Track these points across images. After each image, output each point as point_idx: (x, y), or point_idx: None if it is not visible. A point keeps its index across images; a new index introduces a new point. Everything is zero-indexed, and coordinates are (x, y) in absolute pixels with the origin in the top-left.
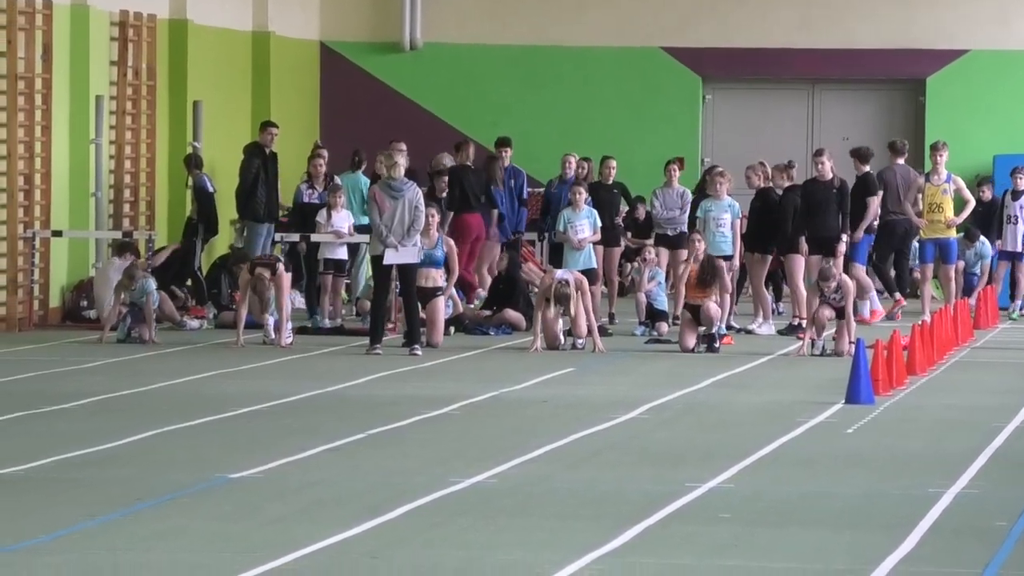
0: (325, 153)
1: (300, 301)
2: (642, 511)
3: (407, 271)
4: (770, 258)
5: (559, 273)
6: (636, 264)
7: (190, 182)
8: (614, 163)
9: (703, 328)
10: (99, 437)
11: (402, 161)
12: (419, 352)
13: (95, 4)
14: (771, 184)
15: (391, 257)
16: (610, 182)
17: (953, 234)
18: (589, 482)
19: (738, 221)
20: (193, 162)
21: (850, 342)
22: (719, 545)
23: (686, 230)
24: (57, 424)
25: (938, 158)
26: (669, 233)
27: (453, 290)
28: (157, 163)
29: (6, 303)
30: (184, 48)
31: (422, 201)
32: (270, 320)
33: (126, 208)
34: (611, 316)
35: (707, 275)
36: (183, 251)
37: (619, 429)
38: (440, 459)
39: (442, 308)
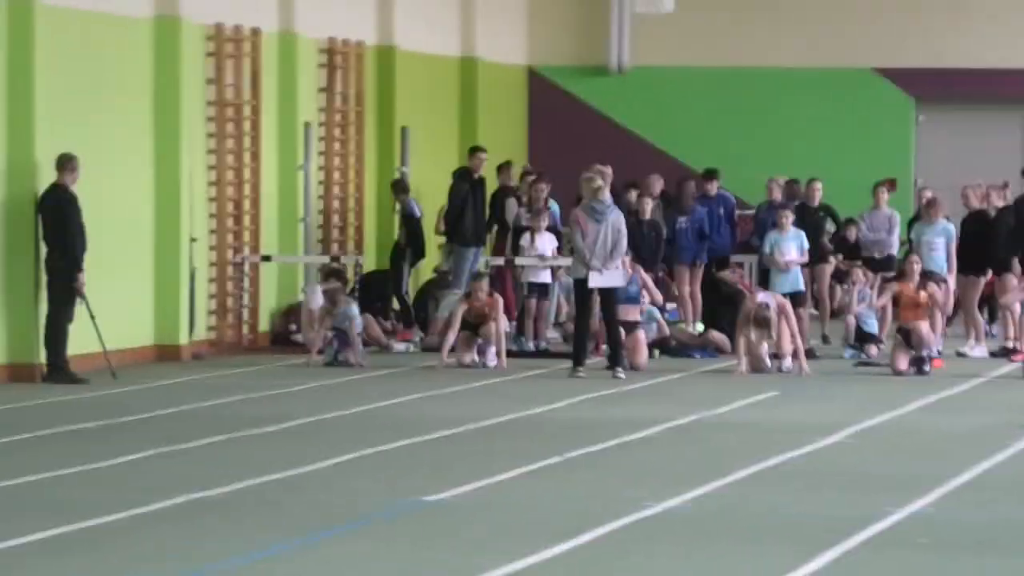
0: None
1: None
2: (839, 536)
3: (609, 293)
4: (983, 280)
5: (761, 296)
6: (846, 286)
7: (397, 207)
8: (819, 185)
9: (914, 351)
10: (299, 460)
11: (606, 185)
12: (622, 375)
13: (303, 31)
14: (985, 205)
15: (596, 280)
16: (816, 204)
17: None
18: (786, 506)
19: (952, 244)
20: (400, 187)
21: None
22: (915, 571)
23: (894, 253)
24: (258, 447)
25: None
26: (876, 256)
27: (657, 312)
28: (365, 188)
29: (216, 327)
30: (392, 74)
31: (624, 224)
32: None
33: (335, 233)
34: (824, 338)
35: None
36: (390, 275)
37: (821, 453)
38: (637, 483)
39: (643, 335)
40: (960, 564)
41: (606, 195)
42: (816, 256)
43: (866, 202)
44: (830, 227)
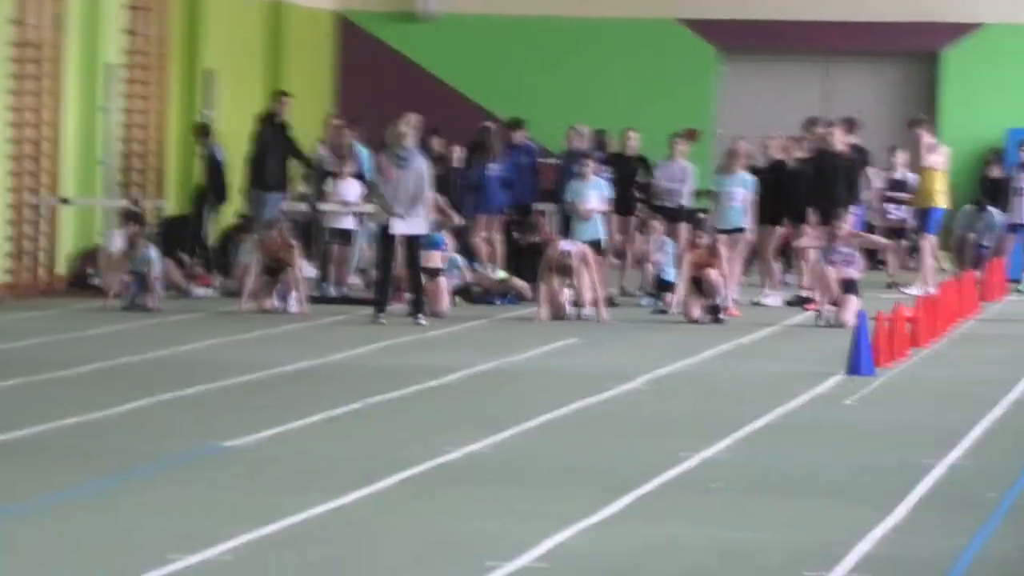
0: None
1: (309, 270)
2: (634, 481)
3: (412, 240)
4: (780, 229)
5: (563, 244)
6: (645, 235)
7: (200, 151)
8: (634, 135)
9: (707, 299)
10: (95, 404)
11: (409, 131)
12: (424, 321)
13: None
14: (784, 156)
15: (398, 227)
16: (631, 154)
17: (936, 204)
18: (583, 452)
19: (751, 195)
20: (203, 130)
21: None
22: (709, 515)
23: (686, 203)
24: (54, 391)
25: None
26: (668, 205)
27: (460, 259)
28: (168, 132)
29: (13, 270)
30: (197, 17)
31: (428, 171)
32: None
33: (135, 176)
34: (621, 289)
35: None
36: (192, 219)
37: (617, 400)
38: (436, 429)
39: (444, 282)
40: (753, 507)
41: (409, 141)
42: (627, 208)
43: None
44: (643, 178)
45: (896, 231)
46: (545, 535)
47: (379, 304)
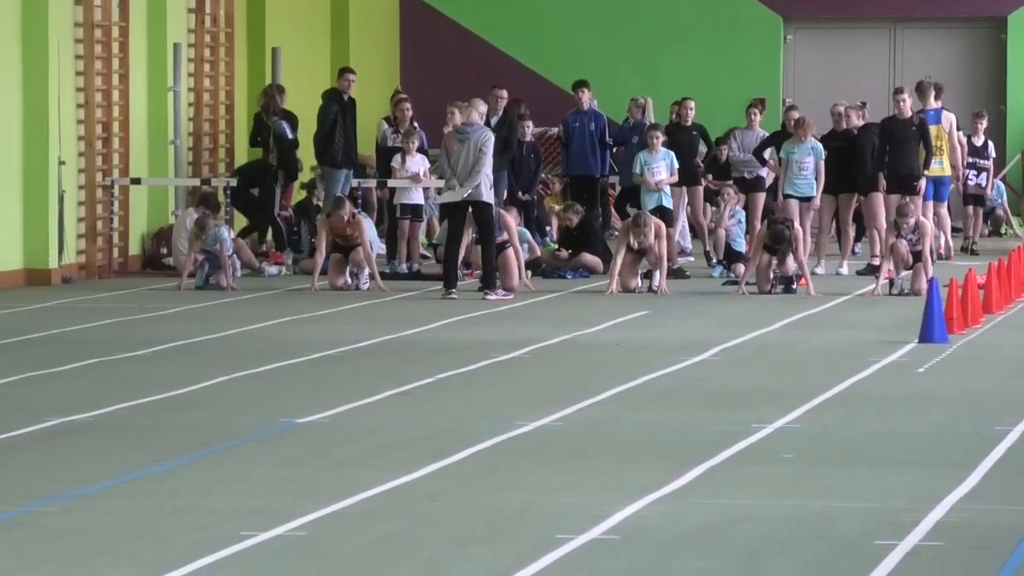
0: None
1: (381, 247)
2: (706, 452)
3: (483, 216)
4: (851, 197)
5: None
6: (716, 207)
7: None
8: (692, 104)
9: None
10: (169, 383)
11: (474, 109)
12: (494, 296)
13: None
14: (845, 125)
15: (450, 195)
16: (688, 123)
17: (944, 172)
18: (654, 424)
19: (821, 163)
20: (272, 109)
21: (927, 281)
22: (780, 485)
23: (763, 174)
24: (129, 370)
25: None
26: (746, 176)
27: (528, 233)
28: (236, 110)
29: (86, 251)
30: None
31: (489, 144)
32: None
33: (205, 155)
34: (707, 256)
35: (778, 244)
36: (262, 197)
37: (689, 371)
38: (507, 403)
39: (513, 255)
40: (826, 477)
41: (474, 117)
42: (689, 177)
43: (735, 121)
44: (702, 147)
45: (975, 197)
46: (616, 507)
47: (448, 280)
